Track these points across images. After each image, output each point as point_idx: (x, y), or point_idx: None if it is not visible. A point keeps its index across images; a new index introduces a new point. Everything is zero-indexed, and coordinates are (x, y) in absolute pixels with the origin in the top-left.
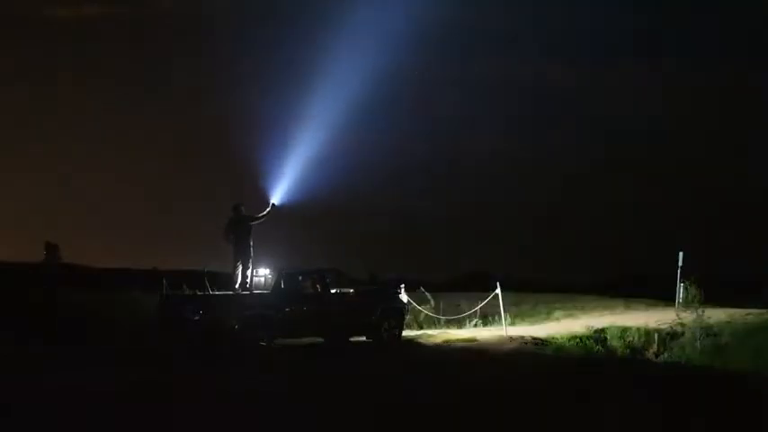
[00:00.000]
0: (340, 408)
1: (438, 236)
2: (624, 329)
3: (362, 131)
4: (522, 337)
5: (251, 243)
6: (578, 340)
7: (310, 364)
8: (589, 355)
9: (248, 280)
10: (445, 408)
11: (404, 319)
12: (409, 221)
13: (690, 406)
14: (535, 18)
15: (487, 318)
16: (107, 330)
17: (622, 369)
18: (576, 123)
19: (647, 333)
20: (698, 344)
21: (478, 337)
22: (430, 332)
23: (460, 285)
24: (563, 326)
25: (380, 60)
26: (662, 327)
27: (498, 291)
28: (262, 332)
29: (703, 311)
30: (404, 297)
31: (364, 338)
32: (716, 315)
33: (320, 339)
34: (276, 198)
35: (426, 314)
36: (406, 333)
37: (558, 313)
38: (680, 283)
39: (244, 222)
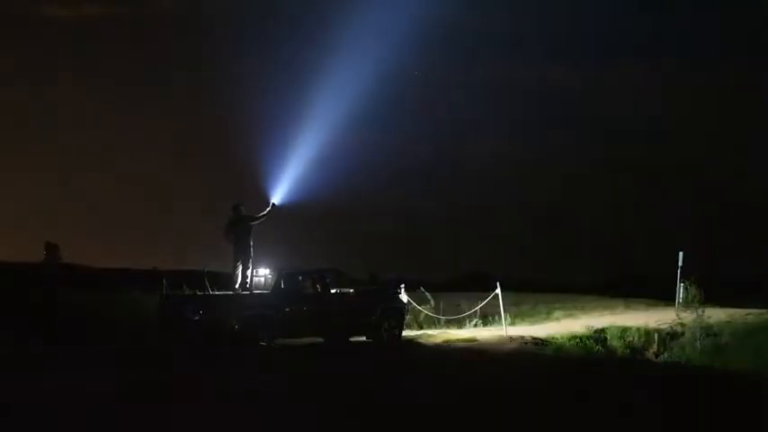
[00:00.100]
0: (340, 408)
1: (438, 236)
2: (624, 329)
3: (365, 132)
4: (522, 337)
5: (251, 243)
6: (578, 340)
7: (310, 364)
8: (589, 355)
9: (248, 280)
10: (445, 408)
11: (404, 319)
12: (410, 222)
13: (690, 406)
14: (538, 21)
15: (487, 318)
16: (107, 330)
17: (622, 369)
18: (577, 124)
19: (647, 333)
20: (698, 344)
21: (478, 337)
22: (430, 332)
23: (460, 285)
24: (563, 326)
25: (384, 61)
26: (662, 327)
27: (498, 291)
28: (262, 332)
29: (703, 311)
30: (404, 297)
31: (364, 338)
32: (716, 315)
33: (320, 339)
34: (276, 198)
35: (426, 314)
36: (406, 333)
37: (557, 313)
38: (680, 283)
39: (243, 222)
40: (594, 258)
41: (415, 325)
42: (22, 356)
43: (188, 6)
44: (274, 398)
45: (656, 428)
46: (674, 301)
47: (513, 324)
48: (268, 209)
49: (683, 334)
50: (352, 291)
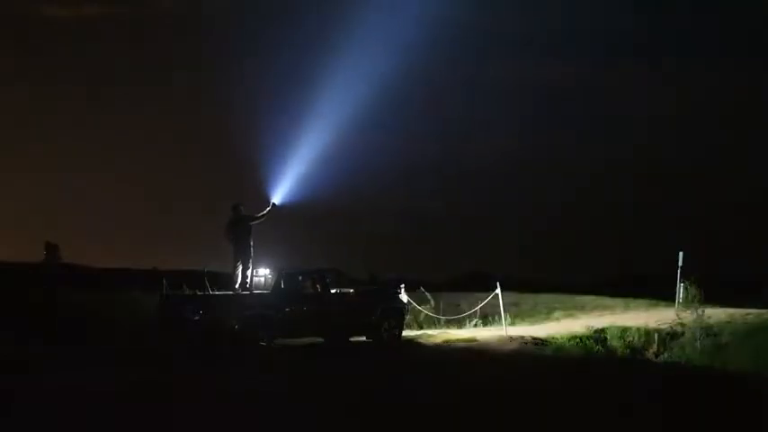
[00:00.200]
0: (340, 408)
1: (438, 236)
2: (624, 329)
3: (369, 132)
4: (522, 337)
5: (251, 243)
6: (578, 340)
7: (310, 364)
8: (589, 355)
9: (248, 280)
10: (445, 408)
11: (404, 319)
12: (410, 222)
13: (690, 406)
14: (541, 20)
15: (487, 318)
16: (107, 330)
17: (622, 369)
18: (577, 123)
19: (647, 333)
20: (698, 344)
21: (478, 337)
22: (430, 332)
23: (460, 285)
24: (563, 326)
25: (389, 60)
26: (662, 327)
27: (498, 291)
28: (262, 332)
29: (703, 311)
30: (404, 297)
31: (364, 338)
32: (716, 315)
33: (320, 339)
34: (276, 198)
35: (426, 314)
36: (406, 333)
37: (558, 313)
38: (680, 283)
39: (243, 222)
40: (594, 258)
41: (415, 325)
42: (22, 356)
43: (188, 6)
44: (274, 398)
45: (656, 428)
46: (674, 301)
47: (513, 324)
48: (268, 208)
49: (683, 334)
50: (352, 291)
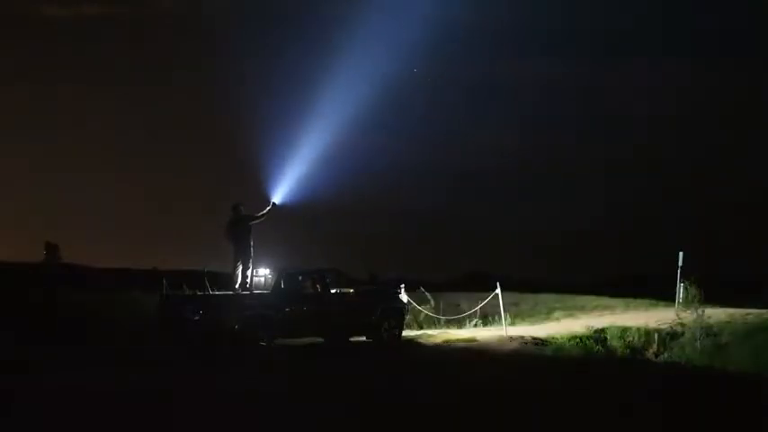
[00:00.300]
0: (340, 408)
1: (438, 236)
2: (624, 329)
3: (369, 132)
4: (522, 337)
5: (251, 243)
6: (578, 340)
7: (310, 364)
8: (589, 355)
9: (248, 280)
10: (445, 408)
11: (404, 319)
12: (410, 222)
13: (690, 406)
14: (541, 20)
15: (487, 318)
16: (107, 330)
17: (622, 369)
18: (577, 123)
19: (647, 333)
20: (698, 344)
21: (478, 337)
22: (430, 332)
23: (460, 285)
24: (563, 326)
25: (388, 62)
26: (662, 327)
27: (498, 291)
28: (262, 332)
29: (703, 311)
30: (404, 297)
31: (364, 338)
32: (716, 315)
33: (320, 339)
34: (277, 197)
35: (426, 314)
36: (406, 333)
37: (558, 313)
38: (680, 283)
39: (243, 222)
40: (594, 258)
41: (415, 325)
42: (22, 356)
43: (188, 6)
44: (274, 398)
45: (656, 428)
46: (674, 301)
47: (513, 324)
48: (268, 208)
49: (683, 334)
50: (352, 291)
